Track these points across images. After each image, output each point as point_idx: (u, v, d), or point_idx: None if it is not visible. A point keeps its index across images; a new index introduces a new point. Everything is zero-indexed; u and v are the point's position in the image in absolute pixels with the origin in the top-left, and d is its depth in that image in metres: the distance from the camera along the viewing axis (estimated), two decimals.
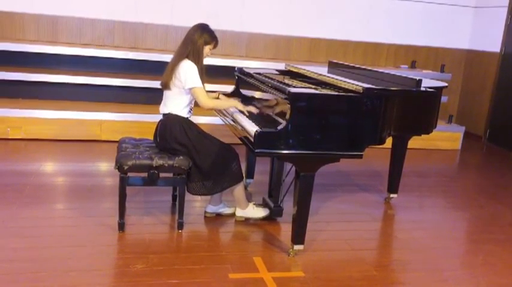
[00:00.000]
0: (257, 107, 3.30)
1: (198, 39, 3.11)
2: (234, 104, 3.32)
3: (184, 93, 3.14)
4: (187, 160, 3.11)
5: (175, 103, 3.16)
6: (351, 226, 3.59)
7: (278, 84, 3.11)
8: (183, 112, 3.18)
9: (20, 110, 4.97)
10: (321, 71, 3.74)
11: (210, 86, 3.99)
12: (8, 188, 3.68)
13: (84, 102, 5.51)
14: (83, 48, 5.40)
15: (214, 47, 3.22)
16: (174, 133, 3.13)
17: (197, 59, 3.11)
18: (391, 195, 4.07)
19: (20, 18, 5.59)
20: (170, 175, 3.23)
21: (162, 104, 3.24)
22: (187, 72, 3.06)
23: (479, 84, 6.98)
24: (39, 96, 5.48)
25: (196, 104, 3.23)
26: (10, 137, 4.94)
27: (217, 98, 3.56)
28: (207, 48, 3.17)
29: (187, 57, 3.11)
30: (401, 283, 2.85)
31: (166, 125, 3.17)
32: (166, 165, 3.06)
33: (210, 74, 3.31)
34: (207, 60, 3.29)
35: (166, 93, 3.20)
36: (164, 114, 3.21)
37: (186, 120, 3.19)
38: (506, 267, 3.11)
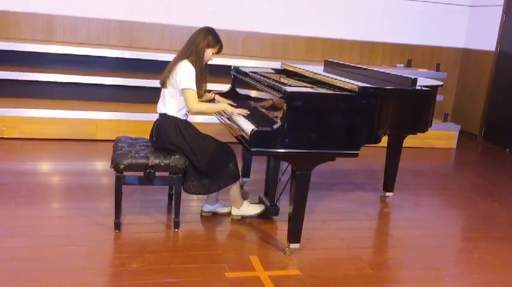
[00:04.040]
0: (248, 109, 3.26)
1: (201, 41, 3.11)
2: (222, 107, 3.29)
3: (179, 95, 3.12)
4: (183, 159, 3.11)
5: (171, 104, 3.15)
6: (346, 224, 3.59)
7: (274, 83, 3.11)
8: (179, 114, 3.17)
9: (15, 109, 4.95)
10: (317, 70, 3.75)
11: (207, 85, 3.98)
12: (3, 188, 3.67)
13: (79, 101, 5.49)
14: (78, 47, 5.38)
15: (218, 51, 3.21)
16: (170, 135, 3.12)
17: (197, 61, 3.11)
18: (387, 193, 4.08)
19: (15, 17, 5.57)
20: (166, 174, 3.23)
21: (159, 103, 3.23)
22: (184, 72, 3.05)
23: (474, 83, 7.01)
24: (35, 96, 5.45)
25: None
26: (5, 137, 4.92)
27: (213, 98, 3.56)
28: (209, 51, 3.16)
29: (188, 58, 3.10)
30: (397, 281, 2.86)
31: (162, 126, 3.16)
32: (162, 164, 3.06)
33: (207, 75, 3.31)
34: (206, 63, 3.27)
35: (163, 92, 3.19)
36: (160, 114, 3.21)
37: (182, 121, 3.18)
38: (502, 265, 3.13)
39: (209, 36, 3.13)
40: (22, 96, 5.41)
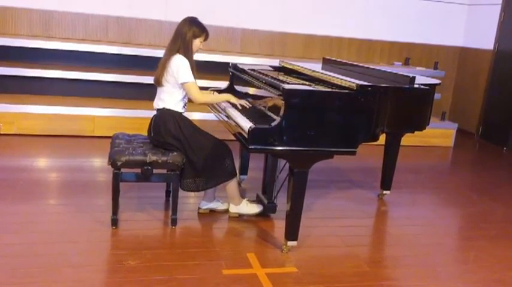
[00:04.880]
0: (250, 102, 3.29)
1: (187, 32, 3.11)
2: (227, 97, 3.30)
3: (178, 88, 3.13)
4: (180, 156, 3.11)
5: (169, 98, 3.15)
6: (344, 222, 3.60)
7: (272, 80, 3.11)
8: (177, 107, 3.18)
9: (12, 105, 4.93)
10: (315, 67, 3.75)
11: (203, 82, 3.99)
12: (0, 184, 3.66)
13: (77, 98, 5.48)
14: (76, 43, 5.37)
15: (205, 39, 3.21)
16: (169, 127, 3.12)
17: (187, 53, 3.11)
18: (384, 191, 4.09)
19: (13, 12, 5.54)
20: (164, 171, 3.22)
21: (155, 100, 3.23)
22: (180, 67, 3.06)
23: (472, 82, 7.02)
24: (32, 92, 5.44)
25: (189, 99, 3.23)
26: (2, 133, 4.90)
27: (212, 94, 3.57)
28: (197, 41, 3.16)
29: (178, 51, 3.10)
30: (394, 279, 2.87)
31: (160, 119, 3.16)
32: (159, 161, 3.06)
33: (203, 69, 3.30)
34: (201, 56, 3.27)
35: (159, 89, 3.20)
36: (158, 109, 3.20)
37: (180, 115, 3.19)
38: (498, 263, 3.14)
39: (194, 27, 3.13)
40: (19, 92, 5.39)
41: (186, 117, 3.23)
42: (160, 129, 3.15)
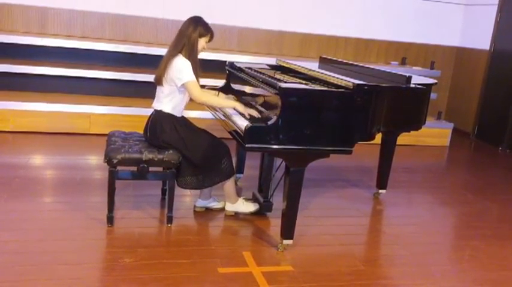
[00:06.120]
0: (258, 110, 3.12)
1: (192, 32, 3.07)
2: (234, 105, 3.15)
3: (177, 93, 3.10)
4: (177, 154, 3.10)
5: (167, 102, 3.12)
6: (339, 221, 3.61)
7: (269, 79, 3.11)
8: (176, 111, 3.15)
9: (8, 102, 4.91)
10: (312, 66, 3.75)
11: (201, 81, 3.97)
12: None
13: (73, 95, 5.47)
14: (72, 40, 5.35)
15: (210, 39, 3.17)
16: (165, 132, 3.10)
17: (191, 53, 3.07)
18: (380, 191, 4.10)
19: (9, 9, 5.52)
20: (160, 168, 3.22)
21: (155, 100, 3.20)
22: (182, 69, 3.02)
23: (468, 81, 7.04)
24: (28, 89, 5.42)
25: (190, 100, 3.20)
26: None
27: (217, 95, 3.54)
28: (202, 41, 3.12)
29: (181, 51, 3.07)
30: (389, 277, 2.88)
31: (157, 122, 3.14)
32: (156, 159, 3.05)
33: (200, 67, 3.29)
34: (199, 55, 3.26)
35: (159, 89, 3.16)
36: (156, 110, 3.18)
37: (177, 119, 3.16)
38: (493, 262, 3.15)
39: (199, 26, 3.09)
40: (15, 89, 5.37)
41: (183, 118, 3.21)
42: (156, 131, 3.13)
